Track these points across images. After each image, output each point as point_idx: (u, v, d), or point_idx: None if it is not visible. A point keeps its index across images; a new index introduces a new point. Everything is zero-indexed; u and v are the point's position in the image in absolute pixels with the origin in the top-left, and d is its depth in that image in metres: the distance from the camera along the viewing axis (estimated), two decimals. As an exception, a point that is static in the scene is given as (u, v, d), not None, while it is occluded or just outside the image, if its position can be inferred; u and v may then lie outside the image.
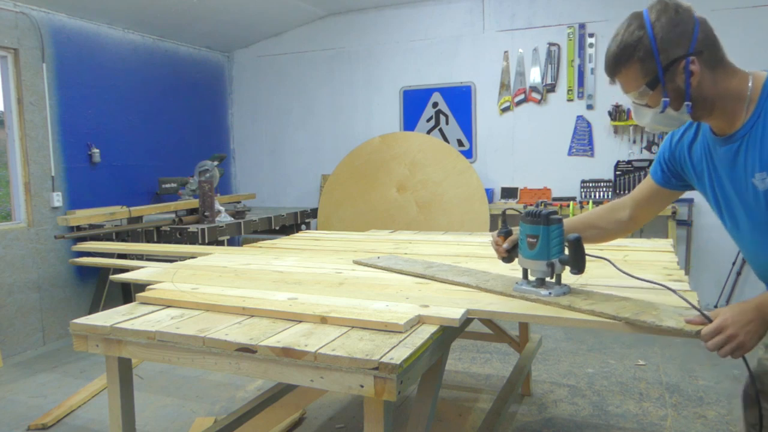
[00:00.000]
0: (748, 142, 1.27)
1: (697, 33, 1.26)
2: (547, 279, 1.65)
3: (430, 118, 5.68)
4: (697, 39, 1.26)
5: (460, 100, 5.55)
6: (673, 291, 1.43)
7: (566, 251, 1.61)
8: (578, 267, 1.58)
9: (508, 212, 1.80)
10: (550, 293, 1.61)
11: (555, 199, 5.11)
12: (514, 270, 2.01)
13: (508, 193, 5.36)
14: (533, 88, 5.27)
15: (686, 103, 1.27)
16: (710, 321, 1.26)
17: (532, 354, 3.14)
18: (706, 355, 3.83)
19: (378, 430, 1.34)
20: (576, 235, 1.57)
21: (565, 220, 1.69)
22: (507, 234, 1.74)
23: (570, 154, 5.19)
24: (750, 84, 1.28)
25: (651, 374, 3.56)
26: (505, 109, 5.41)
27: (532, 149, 5.35)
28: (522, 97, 5.33)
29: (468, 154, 5.51)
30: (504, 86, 5.39)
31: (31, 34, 4.40)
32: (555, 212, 1.62)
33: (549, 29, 5.19)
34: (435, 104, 5.65)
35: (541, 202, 5.00)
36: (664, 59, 1.25)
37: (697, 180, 1.48)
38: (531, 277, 1.68)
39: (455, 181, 5.16)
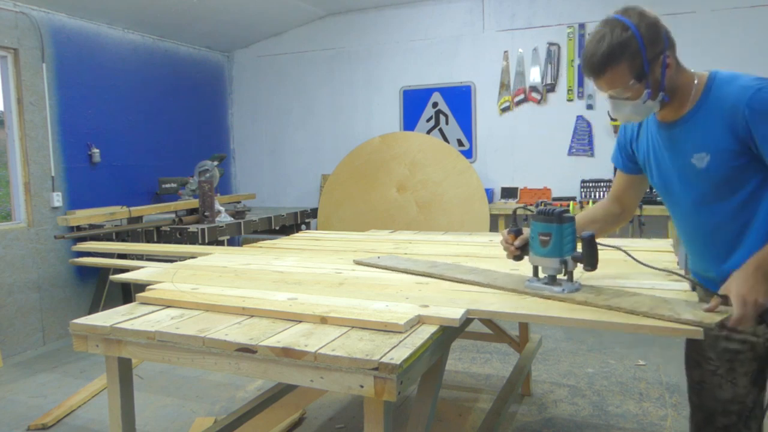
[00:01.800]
0: (689, 128, 1.50)
1: (665, 33, 1.46)
2: (558, 276, 1.68)
3: (430, 118, 5.68)
4: (667, 38, 1.46)
5: (460, 100, 5.55)
6: (682, 276, 1.63)
7: (578, 248, 1.65)
8: (591, 264, 1.61)
9: (520, 212, 1.80)
10: (563, 290, 1.63)
11: (555, 199, 5.11)
12: (513, 270, 2.01)
13: (508, 193, 5.36)
14: (533, 88, 5.27)
15: (661, 92, 1.47)
16: (727, 300, 1.37)
17: (532, 354, 3.14)
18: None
19: (378, 430, 1.34)
20: (590, 232, 1.61)
21: None
22: (517, 233, 1.77)
23: (570, 154, 5.19)
24: (695, 81, 1.51)
25: (651, 374, 3.55)
26: (505, 109, 5.41)
27: (532, 149, 5.35)
28: (522, 97, 5.33)
29: (468, 154, 5.51)
30: (504, 86, 5.39)
31: (31, 34, 4.40)
32: (567, 211, 1.66)
33: (549, 29, 5.19)
34: (435, 104, 5.65)
35: (541, 202, 5.00)
36: (650, 54, 1.43)
37: (644, 165, 1.71)
38: (542, 275, 1.70)
39: (455, 181, 5.16)
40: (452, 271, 2.02)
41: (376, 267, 2.24)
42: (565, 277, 1.68)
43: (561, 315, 1.50)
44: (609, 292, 1.60)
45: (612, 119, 4.91)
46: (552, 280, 1.67)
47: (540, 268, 1.71)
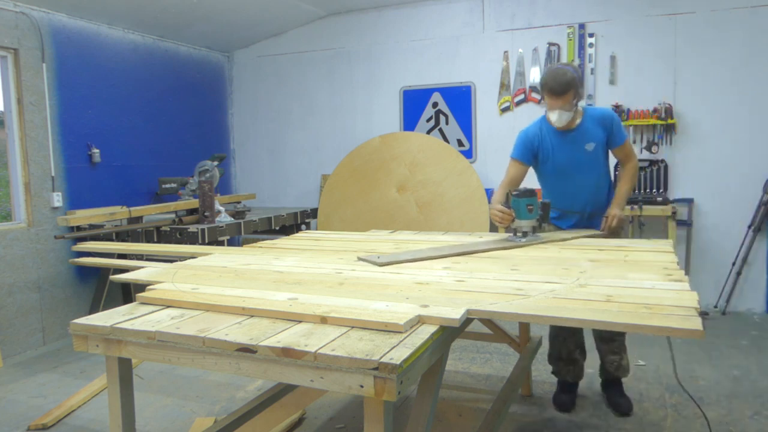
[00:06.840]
0: (581, 131, 2.90)
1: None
2: (529, 231, 2.75)
3: (430, 118, 5.68)
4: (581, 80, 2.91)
5: (460, 100, 5.55)
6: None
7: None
8: (547, 219, 2.80)
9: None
10: (538, 237, 2.76)
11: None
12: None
13: (508, 193, 5.36)
14: (533, 88, 5.27)
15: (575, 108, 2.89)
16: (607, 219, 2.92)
17: (532, 354, 3.14)
18: (706, 355, 3.84)
19: (378, 430, 1.34)
20: (546, 200, 2.85)
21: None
22: (508, 206, 2.75)
23: (570, 154, 5.19)
24: (579, 107, 2.95)
25: (651, 374, 3.56)
26: (505, 109, 5.41)
27: (532, 149, 5.34)
28: (522, 97, 5.33)
29: (468, 154, 5.51)
30: (504, 86, 5.39)
31: (31, 34, 4.41)
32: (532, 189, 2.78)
33: (549, 29, 5.20)
34: (435, 104, 5.65)
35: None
36: (579, 87, 2.82)
37: (541, 155, 2.96)
38: (519, 233, 2.75)
39: (455, 181, 5.16)
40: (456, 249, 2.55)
41: (404, 262, 2.33)
42: (533, 233, 2.76)
43: (561, 315, 1.50)
44: (552, 238, 2.78)
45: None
46: (524, 235, 2.73)
47: (520, 227, 2.74)
